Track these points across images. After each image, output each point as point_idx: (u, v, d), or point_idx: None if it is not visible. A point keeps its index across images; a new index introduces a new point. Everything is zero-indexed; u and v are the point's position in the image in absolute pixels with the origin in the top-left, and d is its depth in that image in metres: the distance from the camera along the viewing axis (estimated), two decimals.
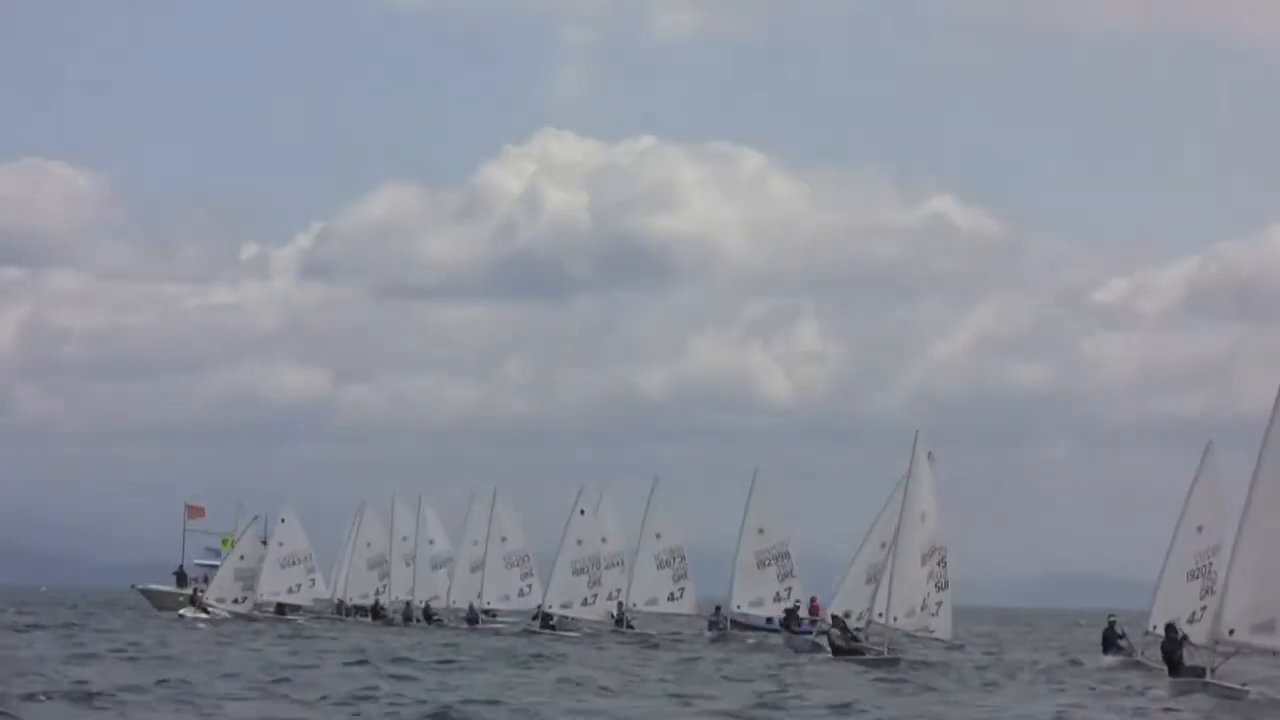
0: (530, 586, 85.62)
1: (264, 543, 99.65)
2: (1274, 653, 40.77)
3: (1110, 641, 59.00)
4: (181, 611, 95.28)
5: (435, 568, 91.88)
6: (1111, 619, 59.66)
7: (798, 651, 64.36)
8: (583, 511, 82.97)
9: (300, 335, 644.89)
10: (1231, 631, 39.83)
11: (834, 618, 60.39)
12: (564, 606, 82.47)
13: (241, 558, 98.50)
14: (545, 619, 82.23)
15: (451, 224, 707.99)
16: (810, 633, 69.21)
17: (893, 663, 56.17)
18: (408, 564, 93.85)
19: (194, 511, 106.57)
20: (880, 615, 57.90)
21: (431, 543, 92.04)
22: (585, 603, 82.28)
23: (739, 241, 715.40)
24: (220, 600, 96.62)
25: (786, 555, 74.46)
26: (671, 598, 79.74)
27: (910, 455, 58.27)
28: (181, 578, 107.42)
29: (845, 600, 63.44)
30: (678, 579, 79.56)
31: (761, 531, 74.33)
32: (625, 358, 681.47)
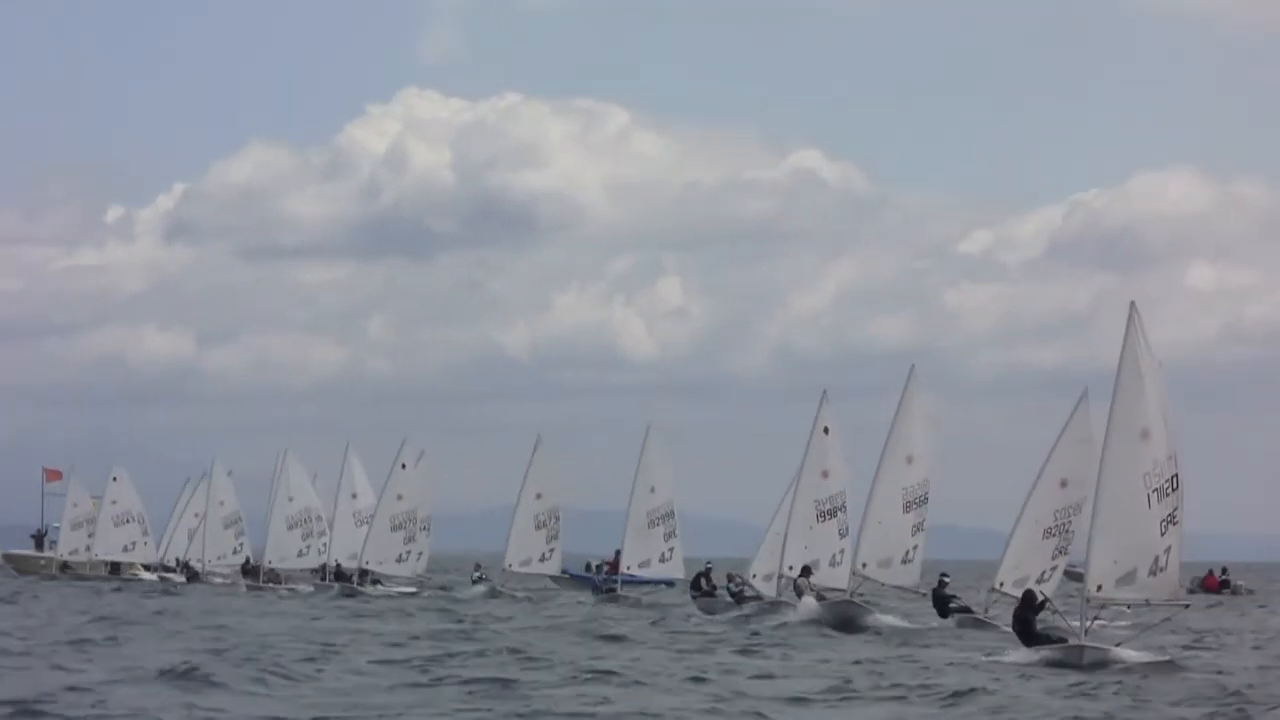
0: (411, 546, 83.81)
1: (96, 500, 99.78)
2: (1131, 605, 40.00)
3: (942, 602, 55.71)
4: None
5: (359, 524, 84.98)
6: (943, 577, 56.98)
7: (711, 614, 62.03)
8: (404, 466, 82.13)
9: (165, 297, 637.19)
10: (1099, 588, 38.77)
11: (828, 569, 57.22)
12: (379, 563, 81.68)
13: None
14: (347, 576, 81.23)
15: (316, 184, 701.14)
16: (727, 594, 65.51)
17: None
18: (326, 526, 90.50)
19: (51, 475, 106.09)
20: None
21: (354, 496, 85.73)
22: (400, 559, 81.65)
23: (603, 198, 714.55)
24: None
25: (672, 515, 73.96)
26: (543, 558, 79.56)
27: (902, 391, 54.77)
28: (39, 541, 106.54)
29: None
30: (550, 540, 79.40)
31: (653, 490, 73.90)
32: (489, 315, 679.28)
